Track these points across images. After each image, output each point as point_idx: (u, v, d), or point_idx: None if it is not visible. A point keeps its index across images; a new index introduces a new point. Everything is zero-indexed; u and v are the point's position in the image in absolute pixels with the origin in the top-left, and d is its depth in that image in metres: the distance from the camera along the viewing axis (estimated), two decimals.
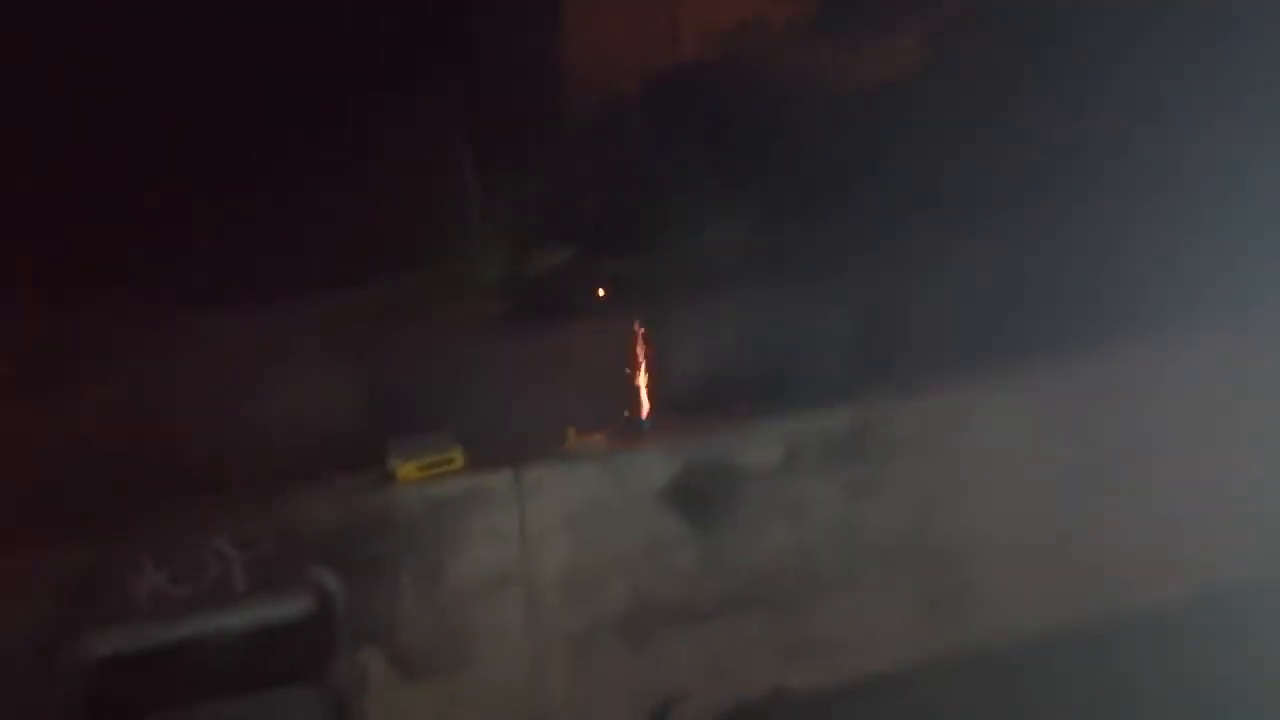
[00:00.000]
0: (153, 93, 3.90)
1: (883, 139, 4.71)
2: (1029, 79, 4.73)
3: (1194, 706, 3.46)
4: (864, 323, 4.16)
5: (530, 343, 3.81)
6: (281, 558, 2.69)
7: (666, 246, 4.35)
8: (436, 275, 4.22)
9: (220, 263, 3.76)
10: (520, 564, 3.34)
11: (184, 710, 2.42)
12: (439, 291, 4.14)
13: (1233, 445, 4.01)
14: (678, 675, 3.59)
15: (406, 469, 3.17)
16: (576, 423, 3.48)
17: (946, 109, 4.76)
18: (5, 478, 2.95)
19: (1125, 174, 4.42)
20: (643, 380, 3.64)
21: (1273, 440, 4.07)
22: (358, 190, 4.37)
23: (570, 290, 4.13)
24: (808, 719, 3.67)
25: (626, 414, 3.55)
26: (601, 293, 4.03)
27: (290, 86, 4.25)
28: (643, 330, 3.66)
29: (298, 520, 3.00)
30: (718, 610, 3.58)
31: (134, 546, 2.70)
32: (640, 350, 3.72)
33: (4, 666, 2.53)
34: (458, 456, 3.25)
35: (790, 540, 3.63)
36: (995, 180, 4.57)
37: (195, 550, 2.68)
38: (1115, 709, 3.53)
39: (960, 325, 4.10)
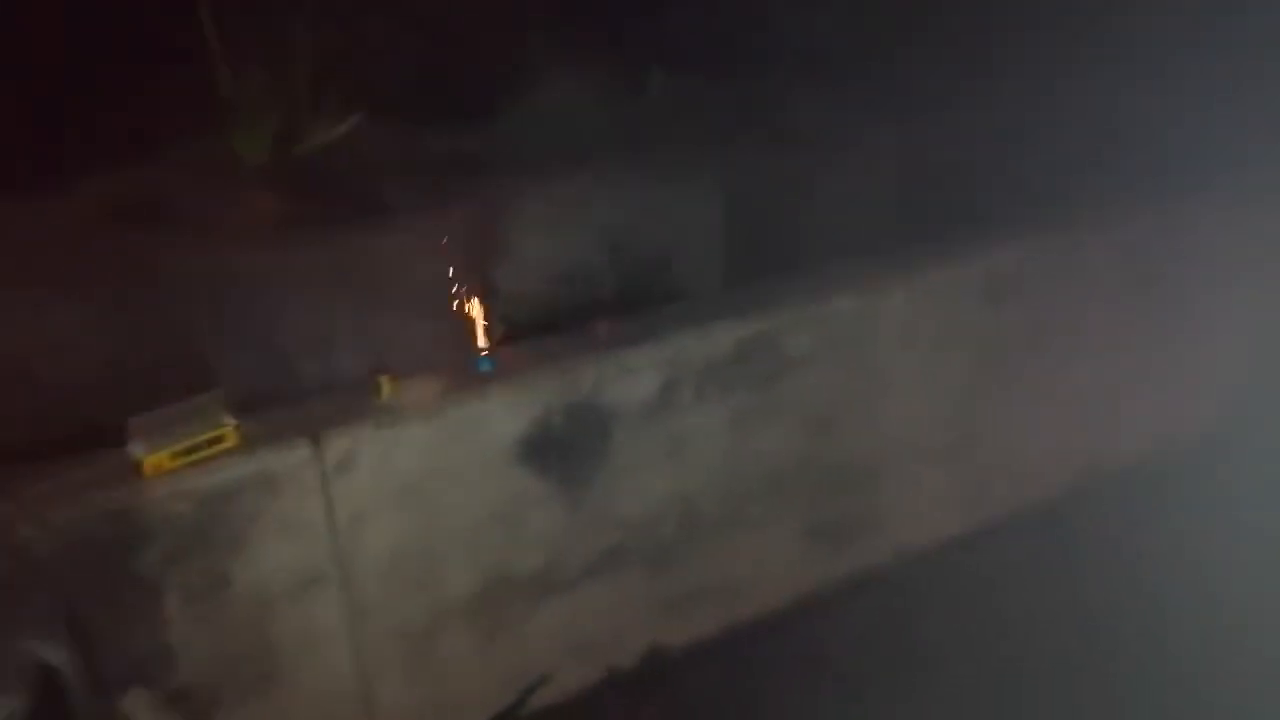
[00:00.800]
0: None
1: None
2: None
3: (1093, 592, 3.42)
4: (744, 215, 3.44)
5: (321, 255, 2.85)
6: None
7: (499, 114, 3.41)
8: (181, 162, 3.13)
9: None
10: (332, 557, 2.53)
11: None
12: (188, 186, 3.06)
13: (1131, 333, 3.64)
14: (538, 657, 2.95)
15: (157, 458, 2.25)
16: (393, 366, 2.62)
17: None
18: None
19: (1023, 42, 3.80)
20: (477, 303, 2.80)
21: (1169, 328, 3.75)
22: (69, 58, 3.18)
23: (366, 176, 3.16)
24: (690, 676, 3.12)
25: (459, 350, 2.72)
26: (417, 179, 3.08)
27: None
28: (478, 230, 2.79)
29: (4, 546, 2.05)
30: (585, 575, 2.94)
31: None
32: (474, 259, 2.86)
33: None
34: (229, 432, 2.35)
35: (668, 485, 3.00)
36: (892, 46, 3.85)
37: None
38: (1013, 611, 3.38)
39: (851, 216, 3.45)
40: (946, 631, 3.32)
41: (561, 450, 2.78)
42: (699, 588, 3.21)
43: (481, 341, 2.72)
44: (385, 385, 2.57)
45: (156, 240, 2.85)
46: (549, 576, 2.90)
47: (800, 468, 3.21)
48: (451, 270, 2.91)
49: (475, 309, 2.81)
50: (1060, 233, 3.48)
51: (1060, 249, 3.47)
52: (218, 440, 2.34)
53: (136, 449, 2.26)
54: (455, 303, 2.85)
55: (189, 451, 2.30)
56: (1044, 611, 3.38)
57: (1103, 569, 3.53)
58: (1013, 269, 3.39)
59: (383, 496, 2.55)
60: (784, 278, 3.16)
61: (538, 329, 3.13)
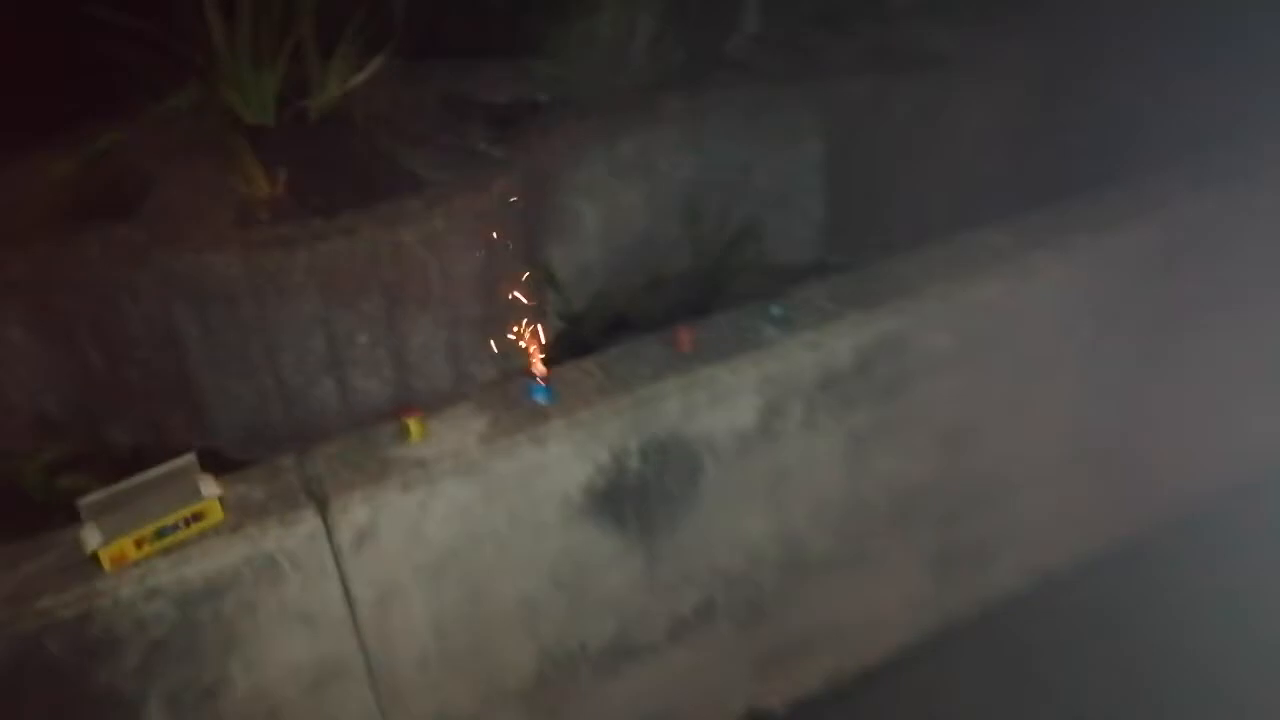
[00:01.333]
0: None
1: None
2: None
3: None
4: (851, 171, 2.77)
5: (333, 250, 2.25)
6: None
7: (552, 51, 2.75)
8: (161, 124, 2.52)
9: None
10: (354, 646, 1.98)
11: None
12: (168, 160, 2.46)
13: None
14: None
15: (118, 547, 1.69)
16: (421, 395, 2.04)
17: None
18: None
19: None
20: (527, 302, 2.19)
21: None
22: None
23: (394, 138, 2.53)
24: None
25: (506, 369, 2.12)
26: (451, 138, 2.46)
27: None
28: (527, 203, 2.19)
29: None
30: (668, 637, 2.39)
31: None
32: (522, 243, 2.25)
33: None
34: (211, 506, 1.78)
35: (769, 525, 2.41)
36: None
37: None
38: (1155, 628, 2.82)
39: (985, 167, 2.75)
40: (1087, 663, 2.73)
41: (639, 497, 2.19)
42: (803, 639, 2.65)
43: (536, 363, 2.10)
44: (413, 427, 1.97)
45: (126, 237, 2.26)
46: (624, 643, 2.35)
47: (929, 490, 2.60)
48: (495, 260, 2.28)
49: (525, 310, 2.19)
50: (1244, 182, 2.74)
51: (1244, 203, 2.74)
52: (197, 517, 1.78)
53: (91, 537, 1.71)
54: (500, 303, 2.23)
55: (159, 535, 1.74)
56: (1203, 636, 2.76)
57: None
58: (1191, 229, 2.67)
59: (415, 570, 1.99)
60: (908, 253, 2.48)
61: (602, 327, 2.51)
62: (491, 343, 2.20)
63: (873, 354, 2.34)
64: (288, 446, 2.20)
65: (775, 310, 2.28)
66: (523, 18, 2.78)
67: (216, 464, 2.25)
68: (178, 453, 2.08)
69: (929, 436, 2.54)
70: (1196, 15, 2.93)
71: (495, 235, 2.33)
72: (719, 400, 2.20)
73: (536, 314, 2.35)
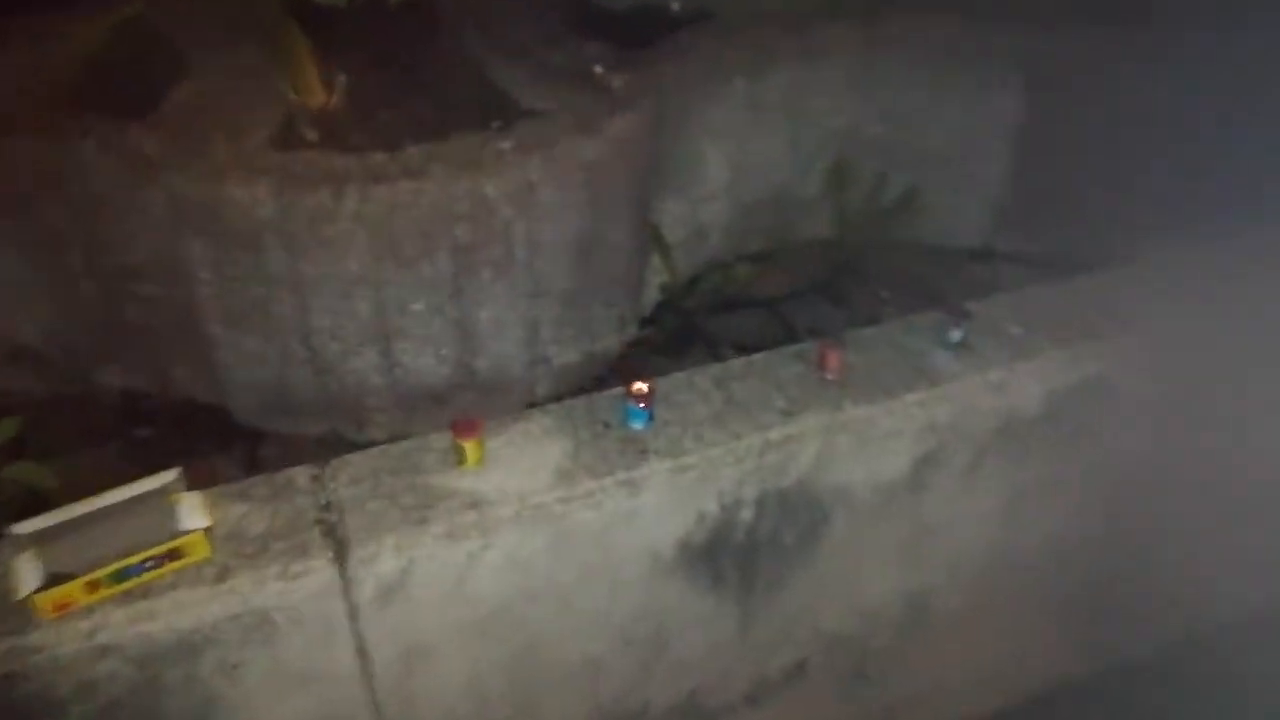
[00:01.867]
0: None
1: None
2: None
3: None
4: (1047, 128, 2.17)
5: (386, 190, 1.73)
6: None
7: None
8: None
9: None
10: (369, 711, 1.54)
11: None
12: (194, 47, 1.93)
13: None
14: None
15: (65, 590, 1.25)
16: (484, 382, 1.54)
17: None
18: None
19: None
20: (632, 284, 1.66)
21: None
22: None
23: (481, 45, 1.97)
24: None
25: (594, 361, 1.62)
26: (550, 55, 1.89)
27: None
28: (636, 143, 1.66)
29: None
30: (747, 702, 1.93)
31: None
32: (626, 193, 1.73)
33: None
34: (198, 540, 1.32)
35: (895, 585, 1.92)
36: None
37: None
38: None
39: (1224, 133, 2.13)
40: None
41: (745, 553, 1.70)
42: (899, 700, 2.18)
43: (634, 379, 1.58)
44: (470, 451, 1.48)
45: (136, 146, 1.75)
46: (695, 704, 1.91)
47: (1085, 546, 2.07)
48: (595, 220, 1.74)
49: (632, 283, 1.65)
50: None
51: None
52: (174, 555, 1.32)
53: (28, 576, 1.26)
54: (595, 275, 1.71)
55: (120, 577, 1.28)
56: None
57: None
58: None
59: (452, 629, 1.53)
60: (1115, 266, 1.89)
61: (715, 304, 1.99)
62: (579, 324, 1.67)
63: (1065, 401, 1.79)
64: (311, 420, 1.74)
65: (954, 335, 1.72)
66: None
67: (224, 429, 1.80)
68: (180, 407, 1.63)
69: (1099, 491, 2.00)
70: None
71: (604, 190, 1.78)
72: (867, 447, 1.67)
73: (637, 289, 1.82)
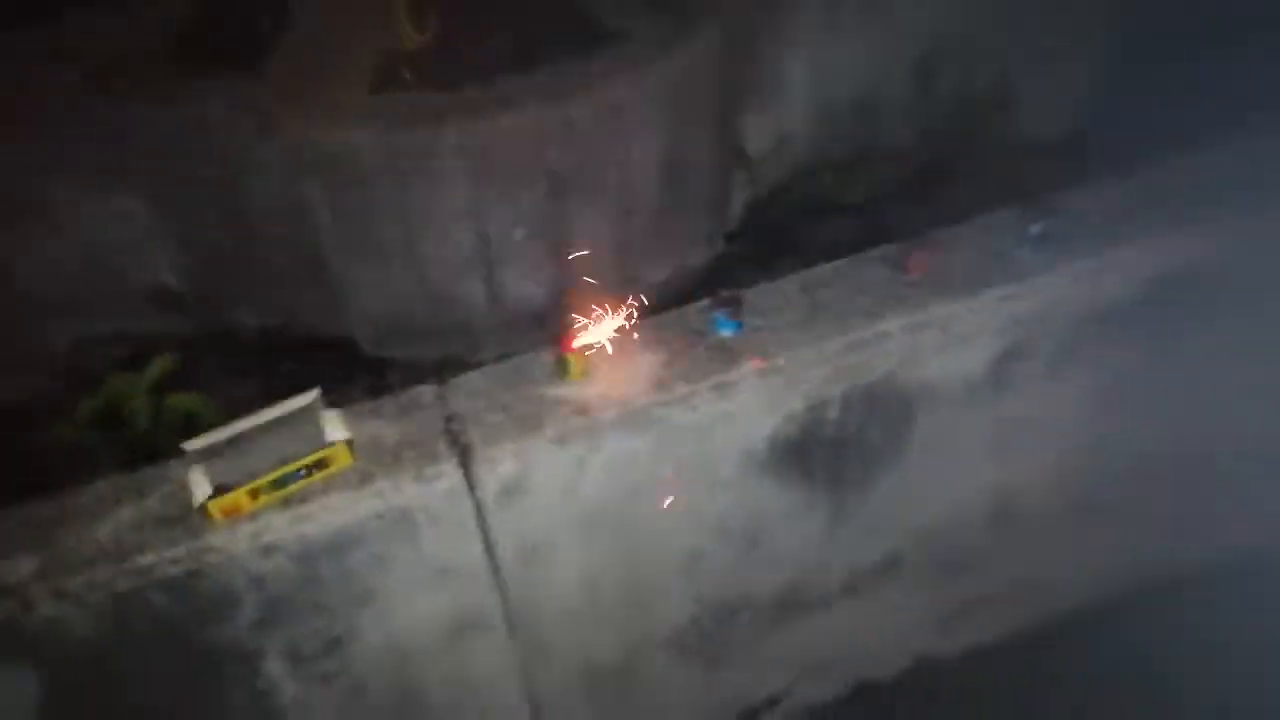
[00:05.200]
0: None
1: None
2: None
3: None
4: (1142, 23, 2.14)
5: (473, 111, 1.84)
6: None
7: None
8: None
9: None
10: (495, 600, 1.73)
11: None
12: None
13: None
14: (770, 679, 2.16)
15: (231, 499, 1.44)
16: (585, 318, 1.67)
17: None
18: None
19: None
20: (714, 187, 1.75)
21: None
22: None
23: None
24: (956, 686, 2.30)
25: (686, 283, 1.73)
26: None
27: None
28: (719, 53, 1.72)
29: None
30: (844, 592, 2.09)
31: None
32: (711, 105, 1.81)
33: None
34: (338, 450, 1.49)
35: (983, 481, 2.00)
36: None
37: None
38: None
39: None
40: None
41: (835, 450, 1.81)
42: (995, 592, 2.28)
43: (726, 299, 1.68)
44: (574, 364, 1.61)
45: (252, 100, 1.90)
46: (794, 596, 2.05)
47: (1187, 449, 2.10)
48: (682, 136, 1.83)
49: (718, 197, 1.74)
50: None
51: None
52: (321, 464, 1.50)
53: (200, 487, 1.45)
54: (683, 191, 1.80)
55: (278, 485, 1.47)
56: None
57: None
58: None
59: (566, 525, 1.69)
60: (1207, 149, 1.89)
61: (803, 209, 2.07)
62: (672, 239, 1.77)
63: (1153, 290, 1.82)
64: (428, 346, 1.90)
65: (1034, 229, 1.77)
66: None
67: (351, 359, 1.98)
68: (309, 341, 1.80)
69: (1190, 393, 2.02)
70: None
71: (688, 106, 1.85)
72: (951, 343, 1.74)
73: (725, 203, 1.91)
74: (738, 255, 2.09)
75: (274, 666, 1.65)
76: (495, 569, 1.71)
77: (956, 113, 2.18)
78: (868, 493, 1.91)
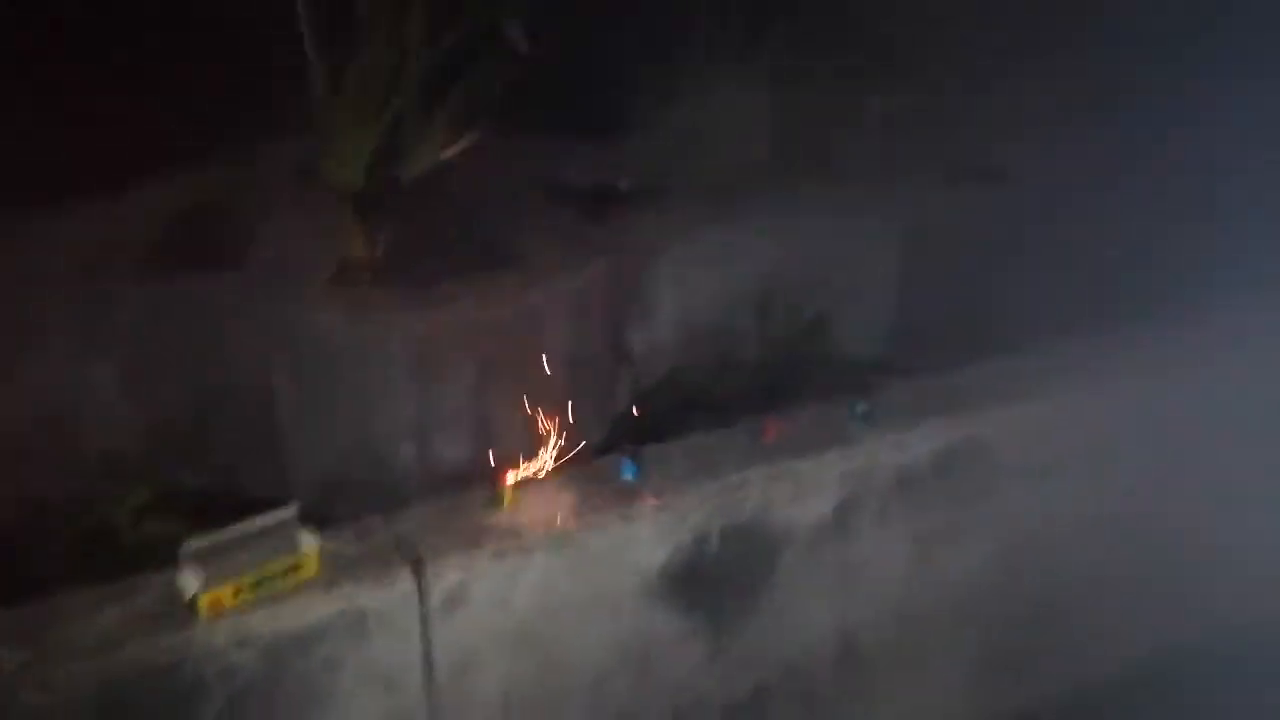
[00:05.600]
0: None
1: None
2: None
3: None
4: (925, 266, 2.85)
5: (422, 319, 2.29)
6: None
7: (636, 133, 2.83)
8: (258, 179, 2.58)
9: None
10: (426, 711, 1.95)
11: None
12: (265, 219, 2.51)
13: None
14: None
15: (216, 593, 1.69)
16: (510, 464, 2.05)
17: None
18: None
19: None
20: (611, 380, 2.22)
21: None
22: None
23: (483, 212, 2.58)
24: None
25: (591, 445, 2.15)
26: (538, 214, 2.51)
27: None
28: (610, 284, 2.24)
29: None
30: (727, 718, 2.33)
31: None
32: (604, 323, 2.30)
33: None
34: (308, 558, 1.78)
35: (831, 619, 2.39)
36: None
37: None
38: None
39: (1067, 276, 2.82)
40: None
41: (713, 582, 2.19)
42: None
43: (629, 440, 2.13)
44: (507, 496, 1.99)
45: (218, 288, 2.30)
46: None
47: (994, 596, 2.59)
48: (582, 338, 2.32)
49: (608, 387, 2.22)
50: None
51: None
52: (293, 569, 1.78)
53: (190, 583, 1.71)
54: (584, 380, 2.26)
55: (256, 585, 1.74)
56: None
57: None
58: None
59: (495, 639, 1.99)
60: (990, 358, 2.53)
61: (674, 407, 2.55)
62: (578, 417, 2.22)
63: (950, 460, 2.37)
64: (364, 504, 2.22)
65: (860, 408, 2.32)
66: (614, 100, 2.86)
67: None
68: (249, 502, 2.08)
69: (997, 544, 2.55)
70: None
71: (586, 315, 2.38)
72: (801, 493, 2.22)
73: (615, 392, 2.39)
74: (624, 434, 2.54)
75: None
76: (430, 680, 1.96)
77: (789, 336, 2.79)
78: (742, 625, 2.29)
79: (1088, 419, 2.51)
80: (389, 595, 1.85)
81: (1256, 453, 2.76)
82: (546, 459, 2.10)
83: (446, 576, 1.89)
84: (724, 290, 2.75)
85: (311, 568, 1.82)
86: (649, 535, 2.08)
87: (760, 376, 2.71)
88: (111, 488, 2.33)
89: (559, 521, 2.00)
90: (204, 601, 1.72)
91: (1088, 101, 3.10)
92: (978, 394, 2.44)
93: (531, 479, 2.07)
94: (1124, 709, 2.91)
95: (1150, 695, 2.95)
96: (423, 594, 1.88)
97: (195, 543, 1.73)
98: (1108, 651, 2.96)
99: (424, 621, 1.90)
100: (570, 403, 2.24)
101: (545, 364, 2.26)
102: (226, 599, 1.74)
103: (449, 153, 2.58)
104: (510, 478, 2.04)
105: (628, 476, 2.12)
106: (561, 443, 2.18)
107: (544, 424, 2.19)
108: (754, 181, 2.77)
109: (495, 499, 2.01)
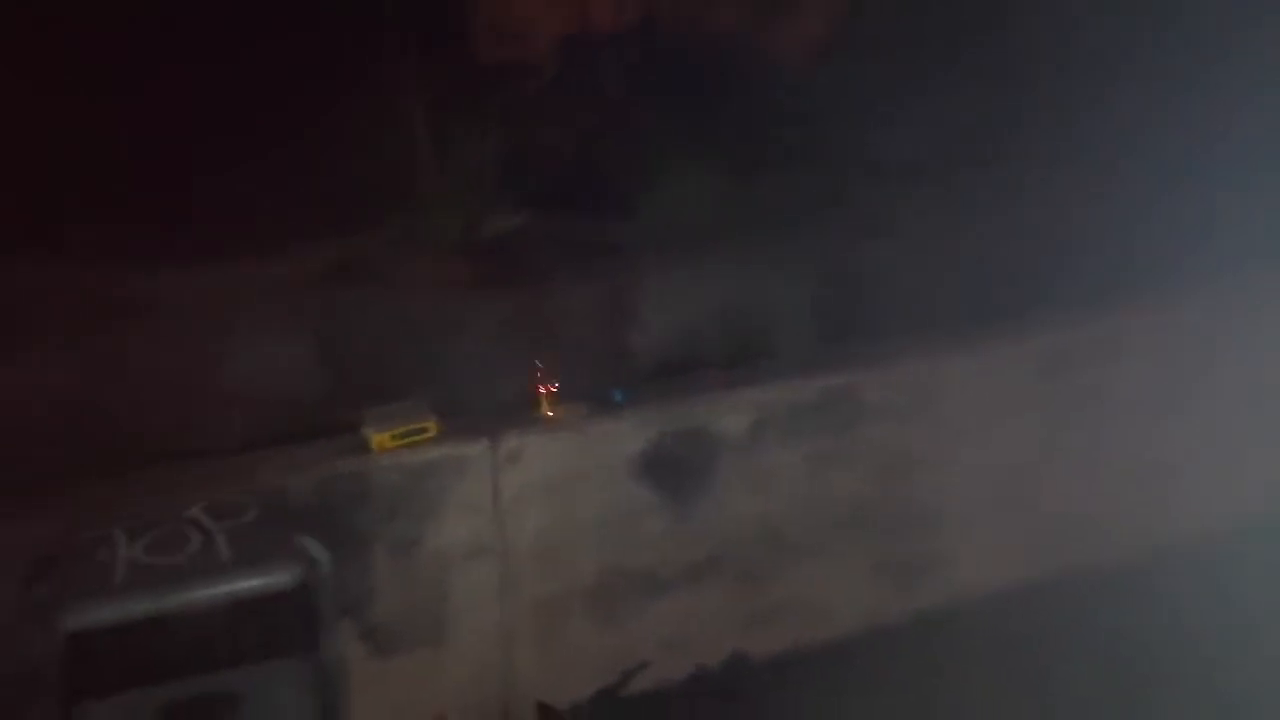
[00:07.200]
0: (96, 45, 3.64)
1: (828, 106, 4.64)
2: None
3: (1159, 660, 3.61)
4: (828, 289, 4.21)
5: (496, 308, 3.73)
6: (263, 527, 2.59)
7: (628, 210, 4.30)
8: (392, 236, 4.09)
9: (167, 220, 3.56)
10: (494, 534, 3.30)
11: (168, 684, 2.32)
12: (396, 254, 4.01)
13: (1197, 407, 4.15)
14: (641, 644, 3.61)
15: (381, 438, 3.09)
16: (550, 394, 3.44)
17: (884, 77, 4.68)
18: None
19: (1079, 139, 4.49)
20: (615, 351, 3.61)
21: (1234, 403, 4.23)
22: (305, 147, 4.20)
23: (533, 253, 4.06)
24: (765, 685, 3.70)
25: (600, 384, 3.52)
26: (567, 256, 3.97)
27: (234, 37, 4.03)
28: (616, 299, 3.63)
29: (275, 489, 2.90)
30: (683, 579, 3.61)
31: (105, 517, 2.56)
32: (612, 320, 3.70)
33: None
34: (432, 425, 3.18)
35: (757, 509, 3.67)
36: (943, 148, 4.55)
37: (171, 520, 2.56)
38: (1076, 662, 3.66)
39: (922, 292, 4.17)
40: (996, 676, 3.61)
41: (672, 467, 3.52)
42: (779, 605, 3.83)
43: (616, 379, 3.52)
44: (544, 403, 3.38)
45: (374, 292, 3.78)
46: (655, 576, 3.58)
47: (871, 507, 3.85)
48: (595, 327, 3.75)
49: (612, 356, 3.62)
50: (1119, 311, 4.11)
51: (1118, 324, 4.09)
52: (423, 430, 3.17)
53: (368, 431, 3.11)
54: (597, 350, 3.68)
55: (404, 435, 3.13)
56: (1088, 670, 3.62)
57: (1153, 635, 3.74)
58: (1069, 344, 4.02)
59: (535, 488, 3.33)
60: (864, 344, 3.88)
61: (659, 373, 3.91)
62: (592, 370, 3.62)
63: (828, 397, 3.71)
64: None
65: (766, 364, 3.69)
66: (621, 185, 4.36)
67: None
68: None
69: (868, 468, 3.84)
70: None
71: (597, 317, 3.80)
72: (726, 412, 3.57)
73: (619, 359, 3.77)
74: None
75: (379, 553, 3.17)
76: (499, 511, 3.32)
77: (742, 337, 4.12)
78: (693, 504, 3.60)
79: (920, 380, 3.84)
80: (474, 450, 3.23)
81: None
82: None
83: (507, 442, 3.27)
84: (694, 308, 4.13)
85: (433, 431, 3.21)
86: (629, 429, 3.44)
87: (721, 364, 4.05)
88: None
89: (573, 418, 3.38)
90: (374, 442, 3.12)
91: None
92: (850, 359, 3.80)
93: (559, 398, 3.46)
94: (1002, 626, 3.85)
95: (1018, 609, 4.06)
96: (494, 452, 3.25)
97: (371, 410, 3.14)
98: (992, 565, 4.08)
99: (494, 468, 3.27)
100: (592, 367, 3.64)
101: (576, 342, 3.68)
102: (386, 442, 3.14)
103: (511, 222, 4.09)
104: (545, 400, 3.43)
105: (618, 399, 3.51)
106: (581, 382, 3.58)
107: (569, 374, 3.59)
108: (710, 236, 4.21)
109: (538, 404, 3.40)
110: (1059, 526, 4.07)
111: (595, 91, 4.45)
